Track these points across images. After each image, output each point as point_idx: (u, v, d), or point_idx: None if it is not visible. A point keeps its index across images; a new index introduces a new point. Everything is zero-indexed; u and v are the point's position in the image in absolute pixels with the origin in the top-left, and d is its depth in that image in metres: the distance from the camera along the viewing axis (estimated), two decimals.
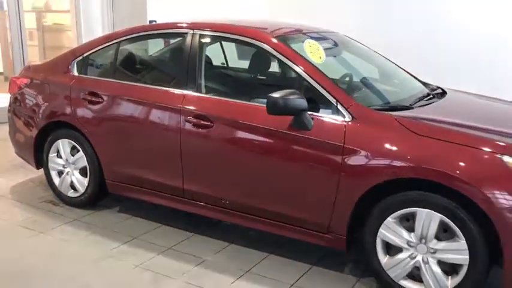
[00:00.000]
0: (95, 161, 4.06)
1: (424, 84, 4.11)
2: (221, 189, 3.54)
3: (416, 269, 2.95)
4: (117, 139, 3.91)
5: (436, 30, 5.67)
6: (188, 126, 3.52)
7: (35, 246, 3.63)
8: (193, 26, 3.76)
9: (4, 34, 8.99)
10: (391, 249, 3.03)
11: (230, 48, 4.43)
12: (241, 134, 3.38)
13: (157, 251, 3.57)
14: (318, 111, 3.18)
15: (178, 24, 3.88)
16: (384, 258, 3.04)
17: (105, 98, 3.93)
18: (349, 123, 3.05)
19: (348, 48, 4.22)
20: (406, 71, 4.25)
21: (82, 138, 4.08)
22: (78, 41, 7.94)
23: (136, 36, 4.05)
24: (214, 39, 3.87)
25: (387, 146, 2.93)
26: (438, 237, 2.86)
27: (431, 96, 3.72)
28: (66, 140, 4.20)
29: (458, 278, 2.83)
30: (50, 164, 4.34)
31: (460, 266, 2.82)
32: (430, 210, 2.82)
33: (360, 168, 2.98)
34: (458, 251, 2.79)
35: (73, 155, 4.19)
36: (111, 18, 8.30)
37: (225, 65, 4.47)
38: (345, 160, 3.00)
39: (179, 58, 3.83)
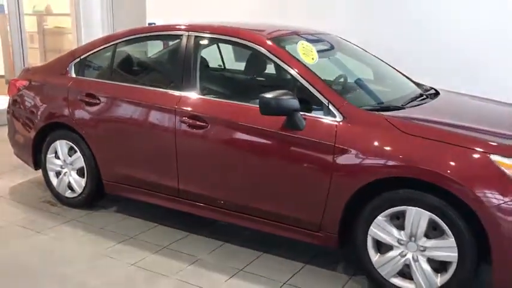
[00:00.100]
0: (92, 162, 4.11)
1: (418, 85, 4.15)
2: (215, 189, 3.58)
3: (407, 266, 2.98)
4: (114, 140, 3.97)
5: (431, 31, 5.69)
6: (183, 126, 3.57)
7: (32, 245, 3.68)
8: (189, 28, 3.81)
9: (5, 37, 9.06)
10: (382, 247, 3.06)
11: (227, 50, 4.48)
12: (235, 135, 3.43)
13: (152, 250, 3.61)
14: (310, 111, 3.22)
15: (174, 27, 3.95)
16: (374, 256, 3.08)
17: (101, 99, 3.98)
18: (340, 123, 3.09)
19: (342, 50, 4.26)
20: (399, 71, 4.29)
21: (79, 139, 4.13)
22: (78, 44, 8.02)
23: (133, 38, 4.11)
24: (210, 41, 3.93)
25: (377, 145, 2.97)
26: (428, 235, 2.89)
27: (424, 96, 3.76)
28: (63, 141, 4.25)
29: (447, 276, 2.87)
30: (48, 165, 4.39)
31: (449, 263, 2.86)
32: (419, 209, 2.86)
33: (350, 167, 3.02)
34: (447, 249, 2.83)
35: (70, 156, 4.24)
36: (111, 21, 8.37)
37: (220, 67, 4.51)
38: (336, 159, 3.04)
39: (175, 60, 3.88)
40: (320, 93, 3.20)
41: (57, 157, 4.33)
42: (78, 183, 4.24)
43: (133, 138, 3.87)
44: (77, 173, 4.25)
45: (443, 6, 5.63)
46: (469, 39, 5.49)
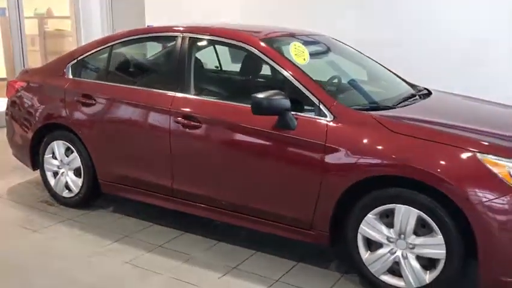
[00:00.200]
0: (89, 162, 4.16)
1: (411, 85, 4.19)
2: (209, 188, 3.63)
3: (396, 264, 3.02)
4: (109, 140, 4.02)
5: (426, 32, 5.74)
6: (177, 126, 3.62)
7: (28, 244, 3.73)
8: (184, 30, 3.86)
9: (7, 40, 9.14)
10: (372, 245, 3.10)
11: (225, 52, 4.53)
12: (228, 134, 3.48)
13: (147, 249, 3.66)
14: (301, 111, 3.27)
15: (170, 28, 4.00)
16: (365, 254, 3.12)
17: (97, 100, 4.04)
18: (331, 122, 3.14)
19: (336, 51, 4.32)
20: (393, 72, 4.33)
21: (76, 139, 4.19)
22: (78, 46, 8.07)
23: (128, 40, 4.16)
24: (204, 42, 3.99)
25: (366, 144, 3.02)
26: (416, 233, 2.93)
27: (416, 96, 3.80)
28: (61, 142, 4.31)
29: (435, 272, 2.91)
30: (46, 165, 4.45)
31: (437, 260, 2.90)
32: (408, 207, 2.90)
33: (340, 166, 3.06)
34: (435, 246, 2.87)
35: (67, 156, 4.30)
36: (111, 23, 8.45)
37: (214, 68, 4.57)
38: (327, 158, 3.09)
39: (170, 61, 3.95)
40: (311, 93, 3.25)
41: (54, 157, 4.38)
42: (75, 183, 4.30)
43: (128, 138, 3.92)
44: (74, 173, 4.30)
45: (440, 6, 5.68)
46: (466, 39, 5.54)
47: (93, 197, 4.34)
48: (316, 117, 3.19)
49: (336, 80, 3.90)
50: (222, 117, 3.48)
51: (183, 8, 7.52)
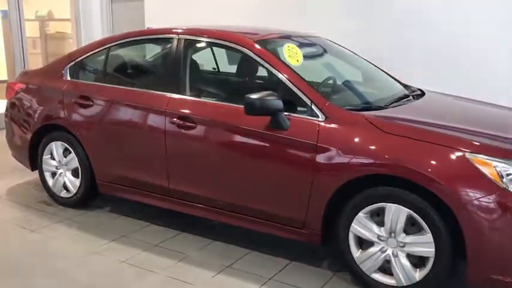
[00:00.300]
0: (86, 162, 4.22)
1: (405, 86, 4.24)
2: (204, 188, 3.68)
3: (387, 262, 3.07)
4: (106, 141, 4.08)
5: (422, 35, 5.78)
6: (172, 127, 3.67)
7: (26, 243, 3.79)
8: (180, 32, 3.92)
9: (9, 42, 9.22)
10: (363, 243, 3.15)
11: (222, 54, 4.57)
12: (222, 135, 3.53)
13: (143, 248, 3.71)
14: (294, 111, 3.31)
15: (166, 30, 4.06)
16: (356, 252, 3.16)
17: (94, 101, 4.10)
18: (323, 123, 3.18)
19: (332, 52, 4.36)
20: (387, 73, 4.38)
21: (74, 140, 4.25)
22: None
23: (125, 42, 4.22)
24: (199, 44, 4.03)
25: (357, 144, 3.06)
26: (406, 231, 2.98)
27: (409, 97, 3.84)
28: (59, 142, 4.37)
29: (425, 270, 2.95)
30: (44, 166, 4.51)
31: (427, 258, 2.94)
32: (398, 205, 2.94)
33: (332, 165, 3.11)
34: (424, 244, 2.91)
35: (65, 157, 4.35)
36: (111, 25, 8.51)
37: (211, 69, 4.62)
38: (319, 158, 3.13)
39: (165, 62, 4.01)
40: (303, 94, 3.29)
41: (52, 158, 4.44)
42: (73, 183, 4.35)
43: (125, 139, 3.98)
44: (72, 173, 4.36)
45: (434, 6, 5.72)
46: (460, 40, 5.58)
47: (90, 197, 4.39)
48: (309, 117, 3.24)
49: (330, 81, 3.94)
50: (216, 118, 3.53)
51: (182, 10, 7.57)
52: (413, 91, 4.11)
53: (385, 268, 3.10)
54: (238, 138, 3.46)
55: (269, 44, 3.72)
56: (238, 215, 3.57)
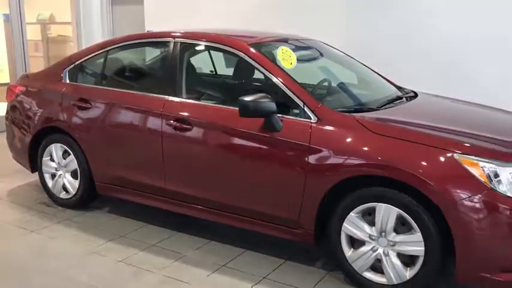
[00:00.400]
0: (85, 164, 4.29)
1: (399, 88, 4.30)
2: (199, 188, 3.74)
3: (378, 261, 3.13)
4: (104, 142, 4.15)
5: (420, 39, 5.82)
6: (169, 129, 3.74)
7: (26, 243, 3.86)
8: (176, 36, 3.99)
9: (11, 46, 9.30)
10: (355, 242, 3.21)
11: (219, 57, 4.63)
12: (217, 136, 3.60)
13: (140, 248, 3.78)
14: (287, 113, 3.38)
15: (162, 34, 4.14)
16: (348, 252, 3.22)
17: (93, 104, 4.17)
18: (315, 124, 3.24)
19: (327, 55, 4.43)
20: (381, 75, 4.44)
21: (73, 142, 4.32)
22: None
23: (123, 45, 4.30)
24: (195, 47, 4.10)
25: (348, 145, 3.13)
26: (397, 231, 3.04)
27: (402, 99, 3.90)
28: (58, 144, 4.44)
29: (415, 269, 3.01)
30: (44, 168, 4.59)
31: (416, 257, 3.00)
32: (388, 205, 3.00)
33: (324, 166, 3.17)
34: (414, 243, 2.97)
35: (65, 159, 4.42)
36: (111, 28, 8.59)
37: (205, 72, 4.70)
38: (311, 159, 3.19)
39: (162, 66, 4.09)
40: (296, 96, 3.36)
41: (52, 160, 4.51)
42: (72, 184, 4.42)
43: (122, 140, 4.05)
44: (71, 175, 4.43)
45: (427, 7, 5.77)
46: (453, 41, 5.62)
47: (89, 198, 4.46)
48: (301, 119, 3.30)
49: (325, 83, 4.00)
50: (211, 120, 3.60)
51: (182, 13, 7.62)
52: (407, 93, 4.17)
53: (376, 267, 3.16)
54: (232, 139, 3.53)
55: (263, 47, 3.79)
56: (234, 215, 3.63)
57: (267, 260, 3.60)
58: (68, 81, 4.46)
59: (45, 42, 10.55)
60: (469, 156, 2.86)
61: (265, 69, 3.53)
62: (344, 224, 3.17)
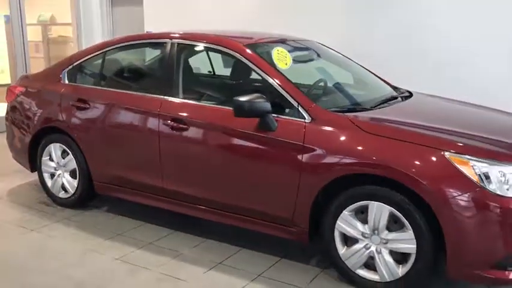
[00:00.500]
0: (83, 164, 4.34)
1: (394, 88, 4.35)
2: (196, 187, 3.79)
3: (371, 258, 3.18)
4: (103, 142, 4.20)
5: (419, 39, 5.86)
6: (165, 129, 3.80)
7: (25, 242, 3.91)
8: (173, 36, 4.04)
9: (12, 47, 9.36)
10: (348, 240, 3.25)
11: (217, 58, 4.68)
12: (213, 136, 3.65)
13: (138, 246, 3.83)
14: (282, 113, 3.42)
15: (160, 35, 4.20)
16: (342, 249, 3.27)
17: (91, 104, 4.23)
18: (309, 123, 3.29)
19: (324, 56, 4.48)
20: (377, 76, 4.49)
21: (71, 142, 4.38)
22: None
23: (121, 47, 4.35)
24: (191, 48, 4.15)
25: (341, 144, 3.17)
26: (389, 228, 3.08)
27: (397, 98, 3.95)
28: (57, 144, 4.50)
29: (407, 266, 3.06)
30: (43, 167, 4.65)
31: (408, 255, 3.04)
32: (380, 203, 3.05)
33: (317, 165, 3.22)
34: (406, 241, 3.02)
35: (64, 158, 4.48)
36: (111, 29, 8.66)
37: (201, 73, 4.75)
38: (305, 158, 3.24)
39: (159, 66, 4.14)
40: (290, 96, 3.41)
41: (51, 160, 4.57)
42: (71, 184, 4.48)
43: (120, 140, 4.10)
44: (70, 174, 4.49)
45: (427, 7, 5.80)
46: (453, 41, 5.66)
47: (88, 197, 4.52)
48: (295, 119, 3.35)
49: (321, 84, 4.05)
50: (207, 120, 3.65)
51: (181, 13, 7.67)
52: (402, 93, 4.22)
53: (369, 264, 3.20)
54: (228, 139, 3.58)
55: (259, 48, 3.84)
56: (230, 214, 3.68)
57: (263, 258, 3.65)
58: (66, 81, 4.52)
59: (45, 43, 10.62)
60: (460, 155, 2.90)
61: (260, 69, 3.57)
62: (337, 222, 3.22)
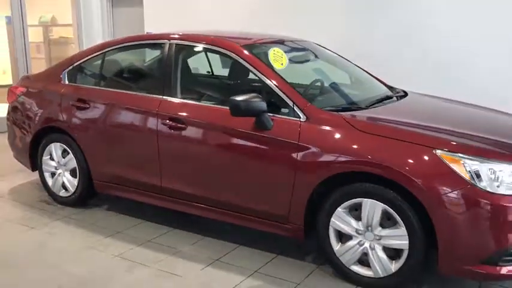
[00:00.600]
0: (83, 163, 4.41)
1: (390, 87, 4.41)
2: (194, 185, 3.86)
3: (365, 255, 3.24)
4: (102, 142, 4.27)
5: (419, 39, 5.90)
6: (164, 128, 3.86)
7: (26, 239, 3.98)
8: (171, 37, 4.11)
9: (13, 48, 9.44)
10: (343, 237, 3.32)
11: (216, 58, 4.75)
12: (210, 135, 3.72)
13: (136, 243, 3.90)
14: (278, 112, 3.49)
15: (158, 36, 4.26)
16: (336, 246, 3.33)
17: (91, 104, 4.30)
18: (304, 122, 3.35)
19: (321, 56, 4.54)
20: (373, 76, 4.55)
21: (72, 141, 4.44)
22: None
23: (120, 47, 4.42)
24: (189, 49, 4.21)
25: (335, 143, 3.24)
26: (382, 225, 3.14)
27: (393, 98, 4.01)
28: (58, 144, 4.57)
29: (400, 262, 3.12)
30: (44, 166, 4.71)
31: (401, 251, 3.10)
32: (373, 200, 3.11)
33: (312, 163, 3.28)
34: (399, 237, 3.08)
35: (64, 158, 4.55)
36: (112, 30, 8.73)
37: (199, 73, 4.81)
38: (300, 156, 3.30)
39: (158, 67, 4.21)
40: (286, 95, 3.47)
41: (52, 159, 4.64)
42: (71, 183, 4.55)
43: (120, 139, 4.17)
44: (70, 173, 4.55)
45: (427, 7, 5.85)
46: (452, 41, 5.71)
47: (88, 196, 4.59)
48: (291, 118, 3.41)
49: (318, 83, 4.11)
50: (205, 119, 3.72)
51: (181, 14, 7.73)
52: (397, 92, 4.28)
53: (363, 260, 3.26)
54: (225, 138, 3.64)
55: (256, 48, 3.90)
56: (227, 212, 3.74)
57: (259, 255, 3.72)
58: (67, 82, 4.59)
59: (47, 44, 10.69)
60: (451, 153, 2.96)
61: (256, 70, 3.64)
62: (332, 219, 3.28)
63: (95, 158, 4.35)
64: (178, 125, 3.80)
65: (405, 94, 4.22)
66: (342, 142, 3.22)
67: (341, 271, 3.35)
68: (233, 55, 3.77)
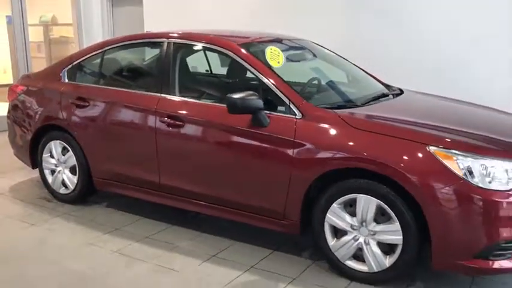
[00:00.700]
0: (83, 160, 4.46)
1: (386, 86, 4.45)
2: (192, 182, 3.91)
3: (360, 250, 3.28)
4: (102, 139, 4.32)
5: (419, 39, 5.94)
6: (162, 126, 3.91)
7: (26, 236, 4.03)
8: (169, 36, 4.16)
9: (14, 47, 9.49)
10: (338, 232, 3.36)
11: (215, 57, 4.78)
12: (208, 132, 3.77)
13: (135, 239, 3.95)
14: (274, 110, 3.54)
15: (156, 34, 4.32)
16: (331, 241, 3.38)
17: (90, 102, 4.35)
18: (299, 120, 3.40)
19: (318, 55, 4.58)
20: (370, 74, 4.59)
21: (71, 139, 4.49)
22: None
23: (119, 46, 4.47)
24: (187, 48, 4.25)
25: (330, 139, 3.29)
26: (377, 221, 3.19)
27: (389, 96, 4.06)
28: (57, 141, 4.62)
29: (394, 257, 3.16)
30: (44, 164, 4.76)
31: (395, 246, 3.15)
32: (368, 196, 3.16)
33: (307, 160, 3.33)
34: (393, 232, 3.13)
35: (64, 155, 4.60)
36: (111, 30, 8.78)
37: (197, 71, 4.86)
38: (296, 153, 3.35)
39: (156, 65, 4.26)
40: (282, 93, 3.52)
41: (52, 156, 4.69)
42: (71, 180, 4.60)
43: (119, 137, 4.22)
44: (70, 171, 4.60)
45: (427, 7, 5.89)
46: (449, 40, 5.74)
47: (87, 193, 4.64)
48: (287, 115, 3.46)
49: (315, 82, 4.15)
50: (202, 117, 3.77)
51: (181, 13, 7.76)
52: (393, 90, 4.32)
53: (358, 255, 3.31)
54: (222, 135, 3.69)
55: (253, 47, 3.95)
56: (225, 208, 3.79)
57: (256, 250, 3.76)
58: (66, 80, 4.64)
59: (47, 43, 10.74)
60: (444, 150, 3.01)
61: (253, 68, 3.69)
62: (327, 214, 3.33)
63: (95, 155, 4.40)
64: (177, 122, 3.85)
65: (401, 92, 4.27)
66: (337, 139, 3.26)
67: (336, 266, 3.40)
68: (231, 54, 3.82)
